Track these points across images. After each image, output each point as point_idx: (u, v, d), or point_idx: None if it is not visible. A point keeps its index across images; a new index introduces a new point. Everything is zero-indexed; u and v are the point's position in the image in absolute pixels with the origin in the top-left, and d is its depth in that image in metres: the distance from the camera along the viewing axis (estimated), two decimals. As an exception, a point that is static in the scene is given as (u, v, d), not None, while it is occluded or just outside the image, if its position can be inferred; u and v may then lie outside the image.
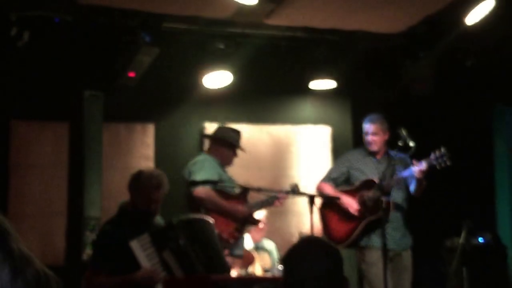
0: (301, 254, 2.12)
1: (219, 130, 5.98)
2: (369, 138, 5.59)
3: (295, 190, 5.58)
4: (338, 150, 7.81)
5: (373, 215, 5.36)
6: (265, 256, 6.64)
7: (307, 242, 2.22)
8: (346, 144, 7.84)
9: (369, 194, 5.39)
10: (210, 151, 5.84)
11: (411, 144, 5.32)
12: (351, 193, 5.56)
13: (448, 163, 5.17)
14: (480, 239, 7.02)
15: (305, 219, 6.04)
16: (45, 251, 6.61)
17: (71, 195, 5.43)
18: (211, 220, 4.66)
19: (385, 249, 5.09)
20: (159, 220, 4.60)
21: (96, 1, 5.97)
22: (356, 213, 5.47)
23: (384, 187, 5.25)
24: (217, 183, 5.50)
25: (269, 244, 6.76)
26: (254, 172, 6.94)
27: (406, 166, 5.37)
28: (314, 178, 6.36)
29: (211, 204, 5.45)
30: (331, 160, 7.75)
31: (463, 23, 6.03)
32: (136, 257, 4.20)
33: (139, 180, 4.45)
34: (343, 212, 5.54)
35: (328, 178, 5.76)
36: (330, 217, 5.70)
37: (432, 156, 5.18)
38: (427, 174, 5.27)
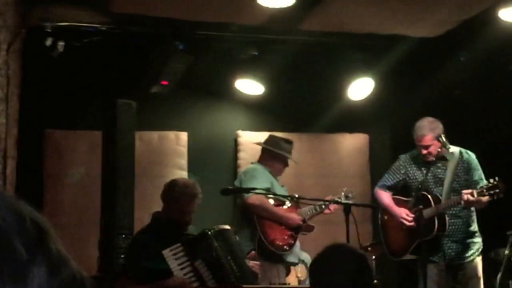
0: (326, 261, 2.14)
1: (271, 140, 6.02)
2: (422, 151, 5.29)
3: (348, 196, 5.83)
4: (376, 158, 7.73)
5: (428, 234, 5.20)
6: (302, 267, 6.58)
7: (333, 249, 2.20)
8: (384, 151, 7.77)
9: (425, 211, 5.21)
10: (261, 161, 5.91)
11: (451, 150, 5.19)
12: (406, 205, 5.41)
13: (501, 195, 4.92)
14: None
15: (342, 229, 5.95)
16: (79, 261, 6.52)
17: (104, 204, 5.41)
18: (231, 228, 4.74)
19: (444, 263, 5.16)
20: (192, 229, 4.62)
21: (129, 10, 5.99)
22: (411, 228, 5.35)
23: (440, 206, 5.16)
24: (269, 191, 5.57)
25: (304, 255, 6.69)
26: (292, 179, 6.88)
27: (469, 171, 5.21)
28: (351, 186, 6.29)
29: (265, 211, 5.57)
30: (368, 168, 7.67)
31: (501, 25, 5.88)
32: (168, 266, 4.23)
33: (173, 190, 4.50)
34: (401, 225, 5.43)
35: (385, 187, 5.61)
36: (390, 227, 5.61)
37: (484, 187, 4.95)
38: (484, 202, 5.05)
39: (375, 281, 6.15)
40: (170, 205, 4.48)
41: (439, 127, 5.29)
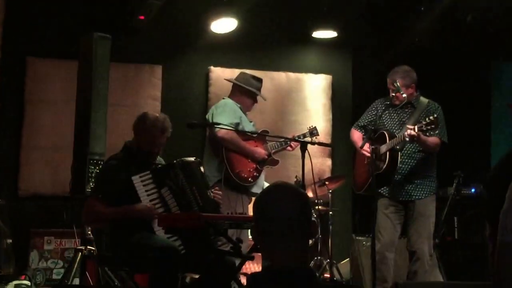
0: (272, 197, 2.29)
1: (242, 76, 6.18)
2: (390, 94, 5.58)
3: (313, 132, 6.10)
4: (337, 99, 8.08)
5: (382, 168, 5.51)
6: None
7: (279, 187, 2.33)
8: (346, 93, 8.10)
9: (381, 147, 5.51)
10: (231, 96, 6.09)
11: (404, 95, 5.54)
12: (369, 144, 5.61)
13: (433, 132, 5.27)
14: (473, 190, 7.26)
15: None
16: (54, 182, 6.96)
17: (77, 131, 5.64)
18: (198, 160, 4.84)
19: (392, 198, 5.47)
20: (160, 160, 4.80)
21: None
22: (370, 164, 5.57)
23: (394, 140, 5.46)
24: (238, 126, 5.77)
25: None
26: (257, 115, 7.18)
27: (427, 116, 5.41)
28: (313, 123, 6.55)
29: (233, 145, 5.77)
30: (330, 107, 8.02)
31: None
32: (136, 192, 4.40)
33: (144, 123, 4.60)
34: (363, 161, 5.73)
35: (358, 126, 5.92)
36: (358, 164, 5.91)
37: (423, 122, 5.25)
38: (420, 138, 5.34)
39: (314, 216, 6.56)
40: (141, 137, 4.59)
41: (409, 75, 5.59)
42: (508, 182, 2.35)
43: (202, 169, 4.82)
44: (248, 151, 5.87)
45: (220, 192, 4.93)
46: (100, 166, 5.28)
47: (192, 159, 4.76)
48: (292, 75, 7.94)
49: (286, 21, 7.45)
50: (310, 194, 6.60)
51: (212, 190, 4.87)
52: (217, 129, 5.70)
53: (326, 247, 6.74)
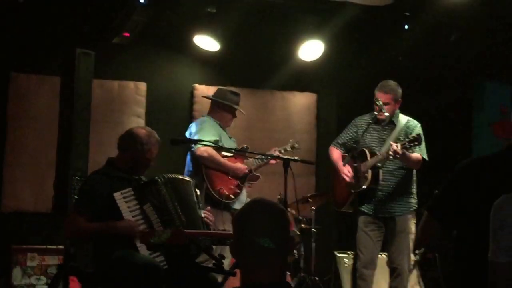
0: (251, 214, 2.31)
1: (219, 92, 6.22)
2: (375, 107, 5.60)
3: (294, 146, 6.17)
4: (322, 117, 8.12)
5: (363, 186, 5.52)
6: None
7: (257, 203, 2.34)
8: (331, 111, 8.14)
9: (362, 164, 5.50)
10: (210, 113, 6.13)
11: (386, 114, 5.59)
12: (349, 162, 5.67)
13: (416, 149, 5.36)
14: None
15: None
16: (37, 199, 6.94)
17: (60, 147, 5.63)
18: (191, 180, 4.81)
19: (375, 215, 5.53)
20: (143, 176, 4.73)
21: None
22: (350, 182, 5.67)
23: (374, 159, 5.50)
24: (217, 143, 5.76)
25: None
26: (242, 132, 7.21)
27: (407, 136, 5.48)
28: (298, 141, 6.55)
29: (212, 162, 5.79)
30: (315, 126, 8.05)
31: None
32: (118, 209, 4.35)
33: (137, 137, 4.58)
34: (344, 180, 5.76)
35: (337, 143, 5.94)
36: (337, 181, 5.92)
37: (406, 140, 5.32)
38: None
39: (297, 232, 6.57)
40: (133, 153, 4.55)
41: (394, 90, 5.64)
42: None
43: (192, 186, 4.74)
44: (228, 168, 5.89)
45: (210, 214, 4.82)
46: (81, 184, 5.25)
47: (176, 175, 4.72)
48: (277, 93, 8.00)
49: (271, 38, 7.48)
50: (293, 211, 6.61)
51: (204, 210, 4.79)
52: (196, 147, 5.71)
53: (309, 264, 6.75)
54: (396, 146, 5.30)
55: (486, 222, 2.36)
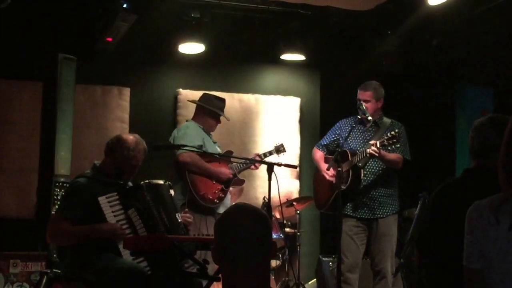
0: (233, 219, 2.29)
1: (204, 97, 6.24)
2: (360, 112, 5.62)
3: (280, 150, 6.20)
4: (306, 121, 8.14)
5: (344, 186, 5.54)
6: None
7: (239, 208, 2.33)
8: (314, 115, 8.17)
9: (343, 164, 5.50)
10: (195, 118, 6.14)
11: (370, 118, 5.62)
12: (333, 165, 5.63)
13: (396, 146, 5.33)
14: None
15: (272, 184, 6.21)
16: (20, 205, 6.90)
17: (42, 153, 5.61)
18: (167, 183, 4.79)
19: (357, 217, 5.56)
20: (127, 181, 4.71)
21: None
22: (331, 182, 5.68)
23: (355, 157, 5.52)
24: (201, 148, 5.78)
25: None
26: (225, 136, 7.21)
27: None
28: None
29: (196, 167, 5.82)
30: (298, 130, 8.06)
31: (427, 3, 6.24)
32: (102, 213, 4.34)
33: (125, 144, 4.56)
34: (325, 180, 5.78)
35: (320, 145, 5.97)
36: (319, 182, 5.95)
37: (385, 138, 5.33)
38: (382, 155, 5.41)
39: (281, 236, 6.58)
40: (119, 157, 4.53)
41: (375, 88, 5.68)
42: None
43: (172, 191, 4.77)
44: (212, 172, 5.90)
45: (189, 215, 4.84)
46: (66, 187, 5.24)
47: (161, 181, 4.72)
48: (260, 97, 8.00)
49: (254, 43, 7.50)
50: (277, 215, 6.62)
51: (181, 213, 4.81)
52: (179, 152, 5.71)
53: (294, 268, 6.76)
54: (374, 144, 5.33)
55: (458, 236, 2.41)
